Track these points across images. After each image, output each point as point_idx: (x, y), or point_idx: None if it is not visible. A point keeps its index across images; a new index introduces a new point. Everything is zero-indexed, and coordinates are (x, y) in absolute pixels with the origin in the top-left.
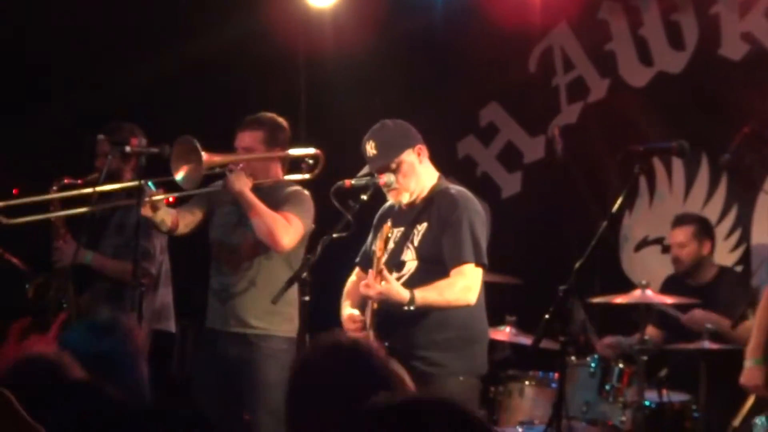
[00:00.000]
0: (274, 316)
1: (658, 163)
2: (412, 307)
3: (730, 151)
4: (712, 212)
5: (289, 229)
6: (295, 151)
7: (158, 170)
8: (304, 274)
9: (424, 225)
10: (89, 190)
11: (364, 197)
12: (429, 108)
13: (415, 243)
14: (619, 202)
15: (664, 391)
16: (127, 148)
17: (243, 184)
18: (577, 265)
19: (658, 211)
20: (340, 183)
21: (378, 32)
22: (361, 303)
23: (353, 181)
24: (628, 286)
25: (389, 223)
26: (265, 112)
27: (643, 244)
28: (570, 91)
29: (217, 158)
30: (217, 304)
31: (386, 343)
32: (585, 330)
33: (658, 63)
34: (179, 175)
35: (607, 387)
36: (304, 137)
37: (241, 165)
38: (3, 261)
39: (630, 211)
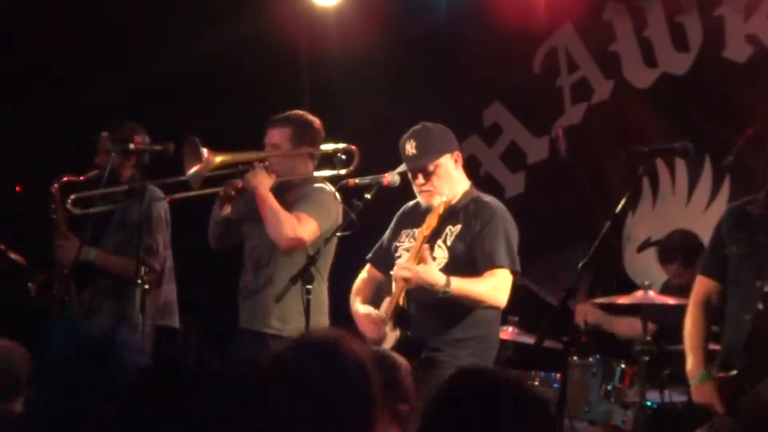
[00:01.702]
0: (292, 316)
1: (661, 165)
2: (448, 290)
3: (734, 153)
4: (715, 214)
5: (297, 229)
6: (326, 147)
7: (162, 168)
8: (308, 273)
9: (459, 226)
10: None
11: (368, 196)
12: (432, 107)
13: (448, 242)
14: (622, 202)
15: (666, 392)
16: (131, 146)
17: (260, 182)
18: (580, 265)
19: (661, 213)
20: (344, 182)
21: (382, 32)
22: (374, 299)
23: (357, 181)
24: (630, 286)
25: (443, 199)
26: (296, 110)
27: (646, 245)
28: (574, 91)
29: (226, 157)
30: (242, 303)
31: (408, 333)
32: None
33: (663, 64)
34: (189, 175)
35: (609, 387)
36: None
37: (267, 162)
38: (5, 259)
39: (633, 211)
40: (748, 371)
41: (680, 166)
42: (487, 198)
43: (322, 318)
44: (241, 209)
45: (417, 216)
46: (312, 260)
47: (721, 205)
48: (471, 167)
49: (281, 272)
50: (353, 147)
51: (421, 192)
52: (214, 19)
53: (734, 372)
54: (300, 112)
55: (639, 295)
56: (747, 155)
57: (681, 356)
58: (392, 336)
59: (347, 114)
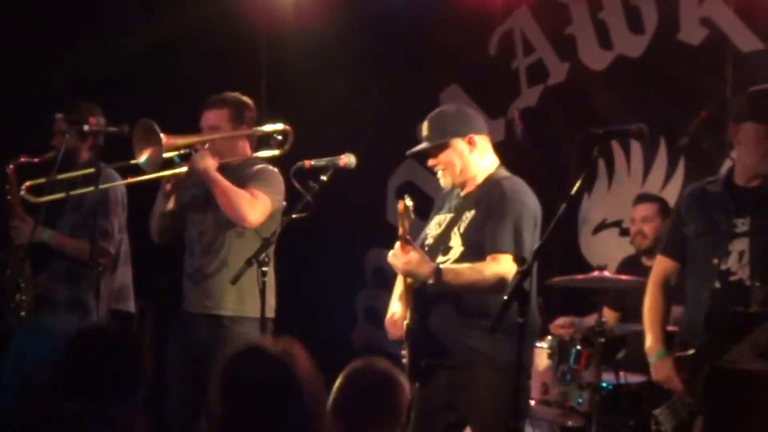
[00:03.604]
0: (248, 297)
1: (616, 147)
2: (434, 280)
3: (688, 134)
4: (670, 195)
5: (255, 205)
6: (264, 128)
7: (117, 150)
8: (263, 255)
9: (472, 212)
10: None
11: (324, 178)
12: (389, 90)
13: (462, 230)
14: (577, 184)
15: (621, 373)
16: (85, 127)
17: (207, 164)
18: (536, 246)
19: (616, 194)
20: (300, 163)
21: (339, 14)
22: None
23: (313, 162)
24: (586, 268)
25: (405, 201)
26: (228, 92)
27: (602, 226)
28: (530, 74)
29: (180, 140)
30: (190, 287)
31: (419, 324)
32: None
33: (618, 47)
34: (142, 159)
35: (565, 368)
36: (264, 118)
37: (207, 144)
38: None
39: (589, 193)
40: (706, 349)
41: (635, 147)
42: (506, 180)
43: (271, 296)
44: (182, 197)
45: (448, 199)
46: (268, 242)
47: (676, 187)
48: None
49: (235, 255)
50: (288, 128)
51: (439, 171)
52: (172, 1)
53: (692, 350)
54: (235, 93)
55: (595, 275)
56: (701, 137)
57: (636, 338)
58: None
59: (304, 95)
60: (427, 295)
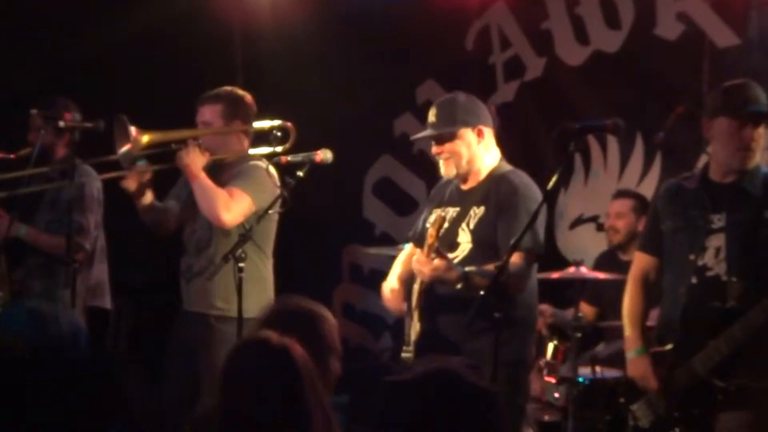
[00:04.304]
0: (235, 297)
1: (593, 141)
2: (462, 284)
3: (664, 129)
4: (646, 190)
5: (231, 205)
6: (260, 124)
7: (92, 145)
8: (240, 251)
9: (482, 209)
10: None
11: (301, 173)
12: (366, 85)
13: (471, 226)
14: (554, 179)
15: (598, 368)
16: (61, 123)
17: (192, 160)
18: (513, 242)
19: (593, 189)
20: (276, 159)
21: (315, 10)
22: (409, 279)
23: (290, 158)
24: (562, 263)
25: (444, 212)
26: (227, 86)
27: (578, 221)
28: (507, 69)
29: (155, 136)
30: (184, 285)
31: (431, 326)
32: None
33: (594, 42)
34: (119, 154)
35: (541, 363)
36: None
37: (199, 140)
38: None
39: (565, 188)
40: (683, 345)
41: (612, 142)
42: (513, 174)
43: (266, 296)
44: (180, 193)
45: (446, 193)
46: (243, 238)
47: (652, 182)
48: (404, 145)
49: (221, 253)
50: (289, 124)
51: (440, 160)
52: None
53: (669, 346)
54: (230, 88)
55: (571, 271)
56: (678, 132)
57: (613, 332)
58: (417, 327)
59: (280, 91)
60: (436, 298)
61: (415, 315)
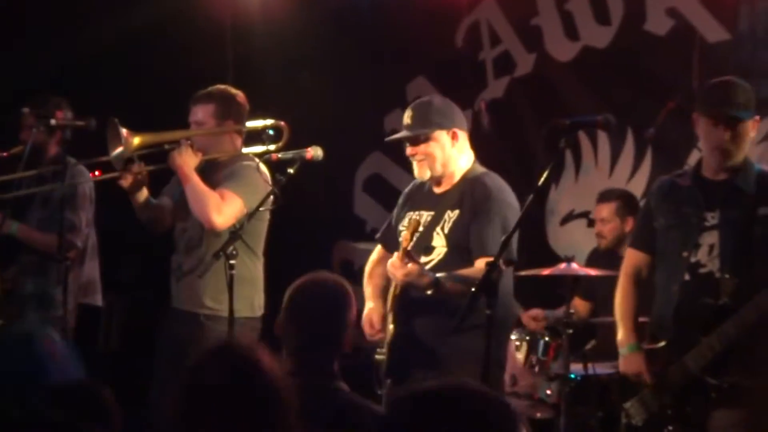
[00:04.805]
0: (226, 296)
1: (584, 137)
2: (432, 291)
3: (655, 125)
4: (637, 186)
5: (222, 207)
6: (252, 124)
7: (84, 144)
8: (231, 249)
9: (456, 212)
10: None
11: (291, 171)
12: (356, 82)
13: (446, 230)
14: (544, 176)
15: (590, 364)
16: (52, 121)
17: (184, 161)
18: (504, 238)
19: (583, 185)
20: (266, 156)
21: (306, 6)
22: (384, 285)
23: (280, 155)
24: (554, 259)
25: (418, 216)
26: (219, 84)
27: (569, 217)
28: (497, 65)
29: (146, 137)
30: (174, 283)
31: (405, 328)
32: None
33: (584, 38)
34: (112, 156)
35: (533, 360)
36: None
37: (189, 140)
38: None
39: (556, 184)
40: (676, 342)
41: (602, 138)
42: (487, 177)
43: (257, 295)
44: (174, 193)
45: (419, 196)
46: (234, 236)
47: (643, 178)
48: (395, 141)
49: (212, 252)
50: (282, 123)
51: (414, 162)
52: None
53: (663, 343)
54: (223, 86)
55: (563, 267)
56: (668, 128)
57: (605, 328)
58: (391, 329)
59: (271, 89)
60: (410, 300)
61: (390, 317)
